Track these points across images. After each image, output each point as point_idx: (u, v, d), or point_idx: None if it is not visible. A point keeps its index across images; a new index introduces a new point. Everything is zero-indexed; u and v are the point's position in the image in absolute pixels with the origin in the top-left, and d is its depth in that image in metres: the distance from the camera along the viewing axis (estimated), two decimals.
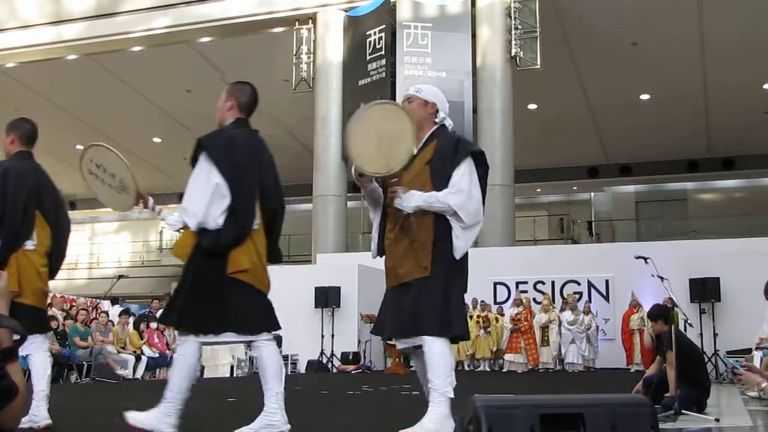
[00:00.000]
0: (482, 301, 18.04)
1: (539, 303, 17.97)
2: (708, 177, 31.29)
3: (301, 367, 17.24)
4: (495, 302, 18.68)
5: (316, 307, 17.07)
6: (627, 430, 2.74)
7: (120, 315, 15.65)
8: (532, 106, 26.78)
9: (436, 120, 4.71)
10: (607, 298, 18.57)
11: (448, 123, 4.82)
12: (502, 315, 17.96)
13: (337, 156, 22.67)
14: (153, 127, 30.13)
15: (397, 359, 17.42)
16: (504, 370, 17.12)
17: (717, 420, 6.82)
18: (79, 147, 31.79)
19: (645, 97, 26.45)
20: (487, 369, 17.68)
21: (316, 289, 17.06)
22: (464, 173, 4.45)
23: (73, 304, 17.99)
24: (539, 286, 18.99)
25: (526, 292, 18.87)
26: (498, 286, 19.02)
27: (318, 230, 22.64)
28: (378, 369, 17.50)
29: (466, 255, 4.82)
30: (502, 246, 20.70)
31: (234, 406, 8.79)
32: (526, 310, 17.24)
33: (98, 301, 19.82)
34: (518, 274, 19.14)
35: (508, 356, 17.08)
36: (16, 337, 2.09)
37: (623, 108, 26.45)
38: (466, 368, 17.96)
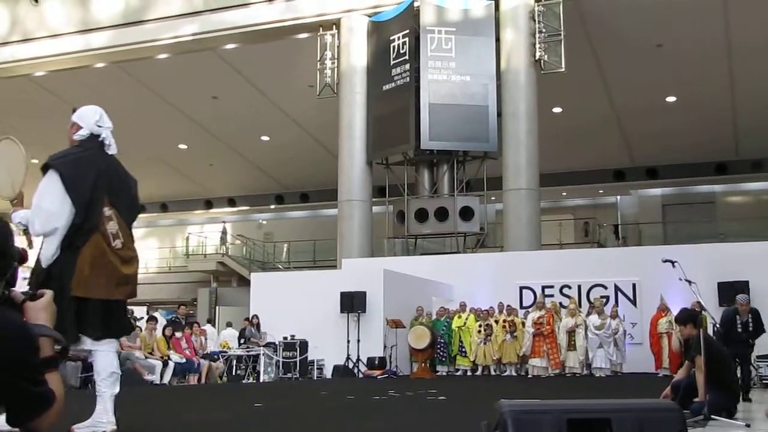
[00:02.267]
0: (508, 306, 17.99)
1: (565, 307, 17.87)
2: (736, 179, 30.96)
3: (327, 372, 17.26)
4: (521, 306, 18.60)
5: (341, 311, 17.08)
6: None
7: (147, 321, 15.76)
8: (557, 110, 26.67)
9: (75, 138, 5.50)
10: (634, 302, 18.42)
11: (106, 139, 5.77)
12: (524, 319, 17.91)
13: (362, 161, 22.70)
14: (179, 133, 30.35)
15: (423, 364, 17.41)
16: (529, 375, 17.04)
17: (748, 425, 6.74)
18: None
19: (671, 99, 26.24)
20: (514, 374, 17.61)
21: (342, 294, 17.07)
22: (39, 187, 5.03)
23: None
24: (565, 290, 18.87)
25: (552, 296, 18.77)
26: (524, 291, 18.93)
27: (343, 235, 22.68)
28: (404, 374, 17.48)
29: (58, 262, 4.93)
30: (527, 250, 20.61)
31: (260, 411, 8.80)
32: (548, 314, 17.12)
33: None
34: (544, 278, 19.04)
35: (532, 361, 17.02)
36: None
37: (649, 110, 26.27)
38: (492, 373, 17.91)
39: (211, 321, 21.76)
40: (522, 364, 17.74)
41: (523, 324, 17.47)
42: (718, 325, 9.79)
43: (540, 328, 16.84)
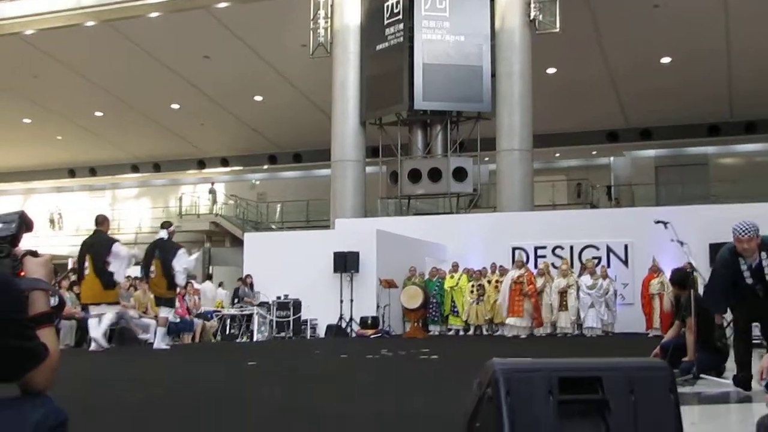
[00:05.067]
0: (501, 266, 18.03)
1: (557, 267, 17.93)
2: (729, 141, 30.93)
3: (320, 332, 17.32)
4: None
5: (334, 271, 17.11)
6: (645, 393, 2.75)
7: (140, 280, 15.74)
8: (551, 70, 26.54)
9: None
10: (626, 262, 18.50)
11: None
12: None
13: (356, 121, 22.61)
14: (171, 93, 30.13)
15: (415, 323, 17.50)
16: (508, 335, 16.91)
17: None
18: (98, 113, 32.00)
19: (666, 60, 26.12)
20: (507, 334, 17.70)
21: (335, 254, 17.08)
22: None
23: None
24: (558, 251, 18.93)
25: (544, 257, 18.82)
26: (516, 251, 18.98)
27: (336, 195, 22.67)
28: (397, 333, 17.58)
29: None
30: (520, 211, 20.65)
31: (254, 369, 8.87)
32: (529, 273, 17.05)
33: None
34: (537, 238, 19.08)
35: (510, 320, 16.84)
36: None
37: (644, 71, 26.14)
38: (485, 332, 18.02)
39: (210, 278, 21.79)
40: (490, 324, 17.81)
41: (496, 282, 17.43)
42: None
43: (521, 288, 16.75)
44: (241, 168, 37.23)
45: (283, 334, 16.64)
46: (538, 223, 19.60)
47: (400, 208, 23.34)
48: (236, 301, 17.72)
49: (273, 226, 33.09)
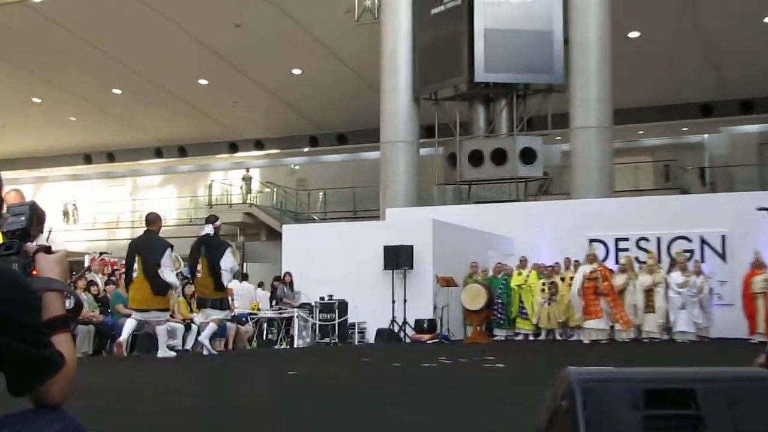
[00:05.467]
0: (576, 261, 17.90)
1: (643, 263, 17.75)
2: None
3: (370, 337, 17.40)
4: None
5: (385, 268, 17.15)
6: (747, 408, 2.70)
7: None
8: (634, 34, 26.20)
9: None
10: (723, 256, 18.24)
11: None
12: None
13: (408, 97, 22.60)
14: (198, 67, 30.43)
15: (478, 327, 17.48)
16: (585, 340, 16.81)
17: None
18: (116, 91, 32.45)
19: None
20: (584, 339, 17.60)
21: (386, 248, 17.12)
22: None
23: (115, 267, 18.40)
24: (642, 244, 18.74)
25: (627, 250, 18.66)
26: (593, 244, 18.83)
27: (387, 181, 22.70)
28: (457, 338, 17.57)
29: None
30: (598, 197, 20.47)
31: (293, 379, 8.94)
32: (603, 269, 16.86)
33: None
34: (617, 229, 18.92)
35: (587, 323, 16.75)
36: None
37: (744, 33, 25.64)
38: (558, 337, 17.93)
39: (246, 277, 21.95)
40: (564, 327, 17.73)
41: (571, 279, 17.26)
42: None
43: (596, 285, 16.58)
44: (278, 151, 37.49)
45: (327, 339, 16.74)
46: (619, 212, 19.43)
47: (459, 196, 23.30)
48: (274, 302, 17.87)
49: (315, 217, 33.31)
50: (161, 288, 12.13)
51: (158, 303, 12.20)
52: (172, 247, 12.50)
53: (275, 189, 34.87)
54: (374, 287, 17.18)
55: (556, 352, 14.01)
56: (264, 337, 17.05)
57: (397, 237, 17.25)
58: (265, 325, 17.19)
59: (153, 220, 12.66)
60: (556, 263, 18.26)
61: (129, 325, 12.28)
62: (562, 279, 17.80)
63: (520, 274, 18.36)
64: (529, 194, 23.61)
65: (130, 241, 13.30)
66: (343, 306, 17.06)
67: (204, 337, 12.76)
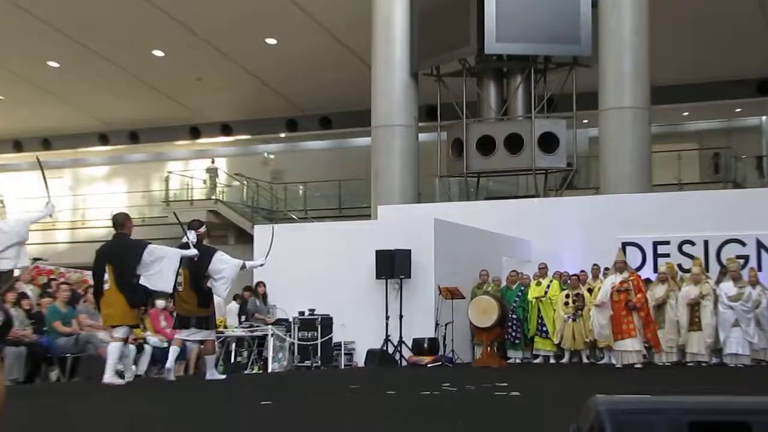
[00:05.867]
0: (606, 269, 17.91)
1: (687, 271, 17.76)
2: None
3: (359, 360, 17.39)
4: None
5: (377, 277, 17.14)
6: None
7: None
8: None
9: None
10: None
11: None
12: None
13: (405, 72, 22.61)
14: (154, 36, 30.38)
15: (489, 348, 17.46)
16: (617, 364, 16.67)
17: None
18: (53, 64, 32.35)
19: None
20: (615, 362, 17.61)
21: (378, 253, 17.10)
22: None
23: (52, 276, 18.34)
24: (687, 248, 18.76)
25: (668, 256, 18.67)
26: (628, 248, 18.84)
27: (379, 173, 22.70)
28: (463, 361, 17.59)
29: None
30: (633, 192, 20.49)
31: (267, 412, 8.94)
32: (636, 278, 16.67)
33: (84, 272, 20.19)
34: (656, 231, 18.95)
35: (621, 344, 16.40)
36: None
37: None
38: (585, 360, 17.95)
39: None
40: (593, 348, 17.74)
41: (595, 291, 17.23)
42: None
43: (627, 298, 16.40)
44: (248, 137, 37.48)
45: (308, 362, 16.74)
46: (659, 210, 19.48)
47: (467, 190, 23.30)
48: (244, 318, 17.85)
49: (293, 216, 33.28)
50: (138, 301, 12.23)
51: (133, 318, 12.30)
52: (149, 244, 12.50)
53: (245, 182, 34.86)
54: (364, 300, 17.18)
55: (583, 379, 14.01)
56: (232, 360, 17.03)
57: (391, 239, 17.24)
58: (234, 345, 17.17)
59: (122, 221, 12.60)
60: (582, 271, 18.28)
61: (112, 351, 12.25)
62: (590, 290, 17.80)
63: (539, 284, 18.37)
64: (549, 189, 23.63)
65: (70, 246, 13.29)
66: (327, 322, 17.06)
67: (170, 363, 12.79)
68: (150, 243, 12.57)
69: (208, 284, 12.86)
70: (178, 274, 12.62)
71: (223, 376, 13.59)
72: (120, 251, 12.18)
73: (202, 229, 13.43)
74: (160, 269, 12.06)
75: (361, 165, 26.59)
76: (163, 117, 36.26)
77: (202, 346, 14.22)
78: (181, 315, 13.36)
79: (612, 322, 16.35)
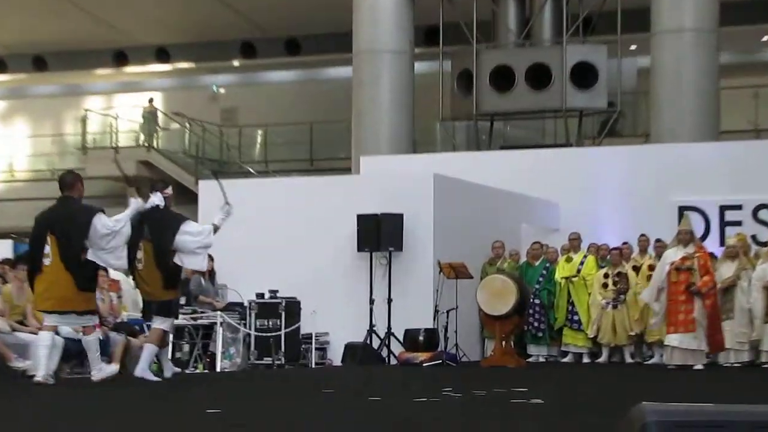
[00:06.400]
0: (658, 241, 17.96)
1: (764, 244, 17.82)
2: None
3: (335, 356, 17.45)
4: None
5: (359, 249, 17.16)
6: None
7: (12, 265, 15.87)
8: None
9: None
10: None
11: None
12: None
13: None
14: None
15: (503, 342, 17.51)
16: (669, 364, 16.72)
17: None
18: None
19: None
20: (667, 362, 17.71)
21: (360, 218, 17.12)
22: None
23: None
24: (763, 215, 18.82)
25: (739, 223, 18.73)
26: (686, 213, 18.88)
27: (363, 113, 22.70)
28: (470, 359, 17.66)
29: None
30: (694, 141, 20.52)
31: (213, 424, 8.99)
32: (703, 254, 16.58)
33: None
34: (725, 191, 18.97)
35: (672, 337, 16.41)
36: None
37: None
38: (629, 360, 18.01)
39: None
40: (639, 343, 17.85)
41: (650, 269, 17.20)
42: None
43: (689, 280, 16.39)
44: (192, 65, 37.43)
45: (268, 359, 16.77)
46: (729, 164, 19.52)
47: (477, 138, 23.34)
48: (185, 301, 17.87)
49: (250, 168, 33.26)
50: (88, 281, 12.29)
51: (83, 302, 12.33)
52: (102, 211, 12.53)
53: (188, 124, 34.76)
54: (342, 279, 17.25)
55: (625, 382, 14.08)
56: (169, 356, 17.07)
57: (377, 200, 17.27)
58: (171, 336, 17.20)
59: (71, 182, 12.69)
60: (626, 244, 18.31)
61: (44, 343, 12.28)
62: (636, 269, 17.86)
63: (569, 260, 18.43)
64: (585, 136, 23.67)
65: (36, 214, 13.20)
66: (293, 308, 17.08)
67: (144, 366, 13.00)
68: (101, 211, 12.58)
69: (176, 260, 12.89)
70: (138, 248, 12.70)
71: (157, 378, 13.48)
72: (66, 219, 12.25)
73: (169, 191, 13.48)
74: (116, 243, 12.16)
75: (339, 103, 26.57)
76: (79, 38, 36.09)
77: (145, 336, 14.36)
78: (143, 299, 13.50)
79: (666, 310, 16.33)
